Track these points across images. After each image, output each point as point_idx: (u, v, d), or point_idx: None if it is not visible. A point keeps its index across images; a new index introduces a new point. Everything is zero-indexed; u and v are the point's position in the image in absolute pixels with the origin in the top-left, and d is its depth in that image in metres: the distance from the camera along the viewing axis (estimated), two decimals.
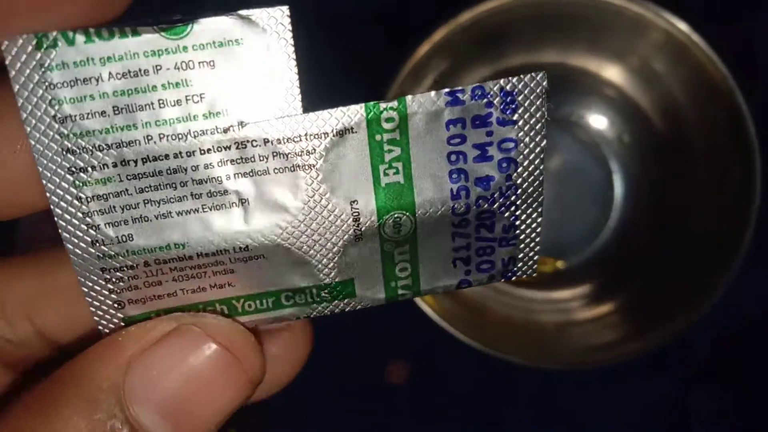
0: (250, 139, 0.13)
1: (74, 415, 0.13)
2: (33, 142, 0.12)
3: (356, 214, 0.14)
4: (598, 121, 0.36)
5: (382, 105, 0.13)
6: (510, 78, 0.13)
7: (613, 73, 0.35)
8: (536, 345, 0.33)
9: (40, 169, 0.12)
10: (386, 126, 0.13)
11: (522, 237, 0.15)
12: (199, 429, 0.14)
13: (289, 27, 0.12)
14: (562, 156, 0.36)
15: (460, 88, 0.13)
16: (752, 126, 0.30)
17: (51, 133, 0.12)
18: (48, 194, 0.12)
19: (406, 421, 0.37)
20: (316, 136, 0.13)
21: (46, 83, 0.12)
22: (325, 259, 0.14)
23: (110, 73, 0.12)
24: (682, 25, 0.31)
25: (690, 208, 0.34)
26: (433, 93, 0.13)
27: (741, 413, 0.37)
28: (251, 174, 0.13)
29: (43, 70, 0.12)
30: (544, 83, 0.13)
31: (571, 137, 0.37)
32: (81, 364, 0.13)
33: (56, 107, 0.12)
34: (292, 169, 0.13)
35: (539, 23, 0.33)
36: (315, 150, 0.13)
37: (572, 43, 0.34)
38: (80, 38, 0.12)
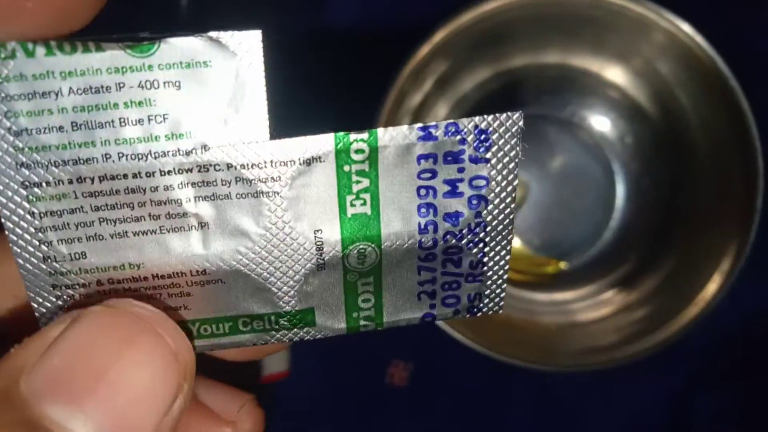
0: (213, 163, 0.12)
1: None
2: None
3: (320, 243, 0.13)
4: (600, 122, 0.36)
5: (352, 136, 0.13)
6: (485, 116, 0.13)
7: (615, 74, 0.35)
8: (538, 347, 0.33)
9: None
10: (356, 157, 0.13)
11: (489, 273, 0.15)
12: (132, 416, 0.12)
13: (261, 52, 0.12)
14: (564, 157, 0.36)
15: (433, 123, 0.13)
16: (755, 127, 0.30)
17: (5, 146, 0.12)
18: (0, 207, 0.12)
19: (407, 423, 0.37)
20: (282, 164, 0.13)
21: (3, 94, 0.12)
22: (285, 287, 0.14)
23: (71, 88, 0.12)
24: (685, 26, 0.30)
25: (692, 208, 0.34)
26: (405, 127, 0.13)
27: (743, 414, 0.37)
28: (212, 198, 0.13)
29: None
30: (520, 123, 0.13)
31: (573, 138, 0.36)
32: None
33: (12, 119, 0.12)
34: (256, 195, 0.13)
35: (541, 24, 0.33)
36: (280, 177, 0.13)
37: (574, 43, 0.34)
38: (41, 50, 0.11)
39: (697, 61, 0.31)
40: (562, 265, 0.36)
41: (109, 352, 0.12)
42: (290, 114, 0.35)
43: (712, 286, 0.31)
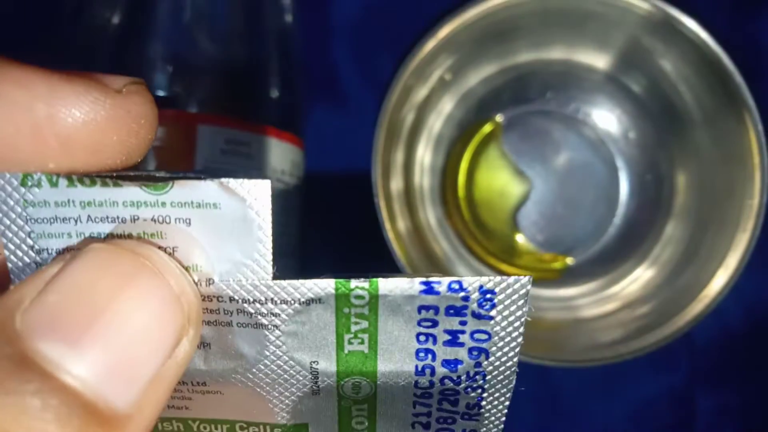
0: (217, 295, 0.13)
1: None
2: (11, 266, 0.13)
3: (315, 372, 0.14)
4: (604, 118, 0.36)
5: (353, 283, 0.13)
6: (492, 278, 0.13)
7: (619, 70, 0.35)
8: (542, 342, 0.33)
9: None
10: (356, 302, 0.13)
11: (486, 414, 0.15)
12: (130, 358, 0.11)
13: (269, 200, 0.12)
14: (568, 153, 0.36)
15: (436, 279, 0.13)
16: (759, 123, 0.30)
17: (28, 261, 0.13)
18: None
19: None
20: (283, 302, 0.13)
21: (28, 217, 0.12)
22: (281, 404, 0.14)
23: (89, 216, 0.12)
24: (690, 23, 0.30)
25: (696, 205, 0.34)
26: (406, 279, 0.13)
27: (747, 410, 0.37)
28: (215, 323, 0.13)
29: (25, 204, 0.12)
30: (528, 287, 0.13)
31: (577, 134, 0.36)
32: None
33: (34, 239, 0.13)
34: (256, 326, 0.13)
35: (546, 19, 0.33)
36: (280, 314, 0.13)
37: (580, 39, 0.34)
38: (63, 182, 0.12)
39: (702, 57, 0.31)
40: (569, 260, 0.36)
41: (107, 290, 0.11)
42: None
43: (717, 283, 0.31)
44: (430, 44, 0.31)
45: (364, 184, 0.31)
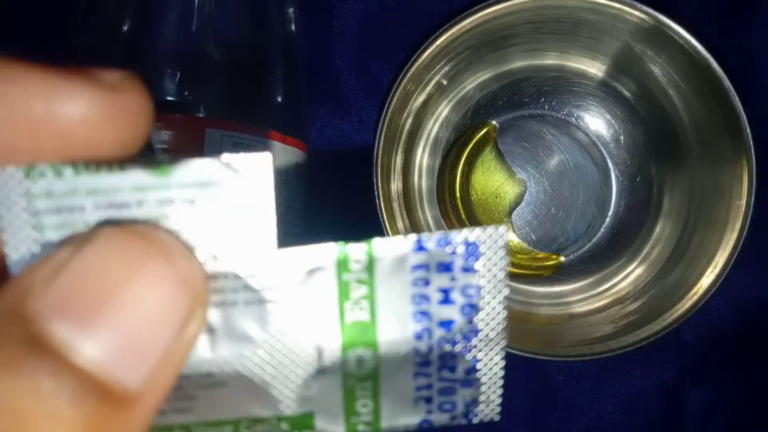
0: (223, 273, 0.13)
1: None
2: (13, 261, 0.13)
3: (320, 349, 0.14)
4: (596, 122, 0.37)
5: (351, 246, 0.13)
6: (473, 228, 0.14)
7: (611, 75, 0.36)
8: (536, 337, 0.34)
9: None
10: (354, 266, 0.13)
11: (483, 379, 0.15)
12: (141, 338, 0.11)
13: (271, 174, 0.13)
14: (561, 156, 0.37)
15: (426, 236, 0.13)
16: (747, 127, 0.31)
17: (33, 253, 0.13)
18: None
19: None
20: (287, 272, 0.13)
21: (31, 209, 0.12)
22: (287, 390, 0.14)
23: (95, 204, 0.12)
24: (681, 30, 0.31)
25: (684, 205, 0.34)
26: (401, 237, 0.13)
27: (735, 404, 0.38)
28: (221, 304, 0.13)
29: (29, 197, 0.12)
30: (506, 235, 0.14)
31: (569, 138, 0.37)
32: None
33: (40, 231, 0.13)
34: (261, 302, 0.13)
35: (540, 26, 0.33)
36: (284, 285, 0.13)
37: (572, 46, 0.35)
38: (68, 171, 0.12)
39: (692, 62, 0.31)
40: (561, 258, 0.37)
41: (117, 273, 0.11)
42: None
43: (706, 281, 0.31)
44: (428, 51, 0.31)
45: (365, 186, 0.31)
